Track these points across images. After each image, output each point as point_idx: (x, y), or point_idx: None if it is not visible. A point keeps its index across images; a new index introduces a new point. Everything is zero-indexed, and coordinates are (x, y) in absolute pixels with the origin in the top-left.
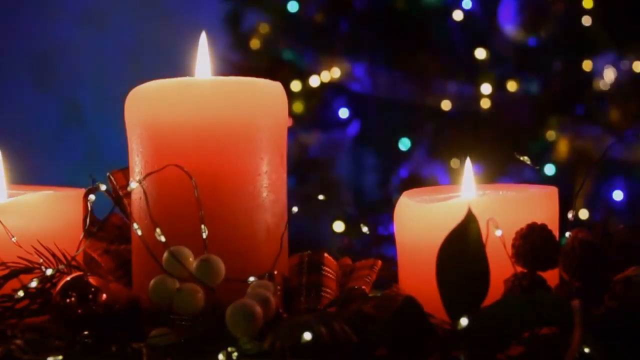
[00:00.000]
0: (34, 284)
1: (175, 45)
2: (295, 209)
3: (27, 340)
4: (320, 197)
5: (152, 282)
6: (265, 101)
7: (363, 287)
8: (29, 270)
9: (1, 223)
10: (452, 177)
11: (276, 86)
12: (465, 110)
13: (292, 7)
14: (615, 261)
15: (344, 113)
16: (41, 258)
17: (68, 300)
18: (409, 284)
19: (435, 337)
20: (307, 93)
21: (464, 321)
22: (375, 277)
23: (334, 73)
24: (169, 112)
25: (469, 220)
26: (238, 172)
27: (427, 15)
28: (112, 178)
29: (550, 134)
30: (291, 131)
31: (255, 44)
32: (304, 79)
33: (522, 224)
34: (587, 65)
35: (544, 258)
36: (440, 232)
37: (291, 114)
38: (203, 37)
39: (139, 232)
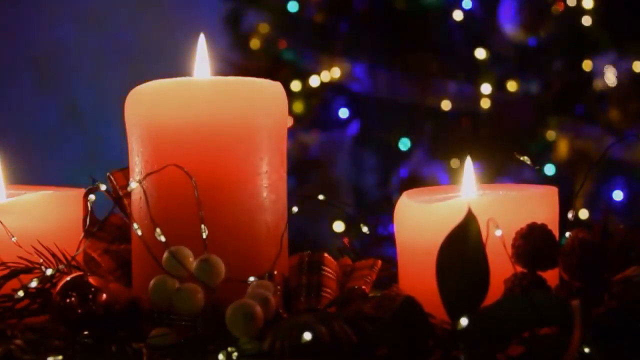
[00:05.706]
0: (34, 284)
1: (175, 45)
2: (295, 209)
3: (27, 340)
4: (320, 197)
5: (152, 282)
6: (265, 101)
7: (363, 287)
8: (29, 270)
9: (1, 223)
10: (452, 177)
11: (276, 86)
12: (465, 110)
13: (292, 7)
14: (615, 261)
15: (344, 113)
16: (41, 258)
17: (68, 300)
18: (409, 284)
19: (435, 337)
20: (307, 93)
21: (464, 321)
22: (375, 277)
23: (334, 73)
24: (169, 112)
25: (469, 220)
26: (238, 172)
27: (427, 15)
28: (112, 178)
29: (550, 134)
30: (291, 131)
31: (255, 44)
32: (304, 79)
33: (522, 224)
34: (587, 65)
35: (544, 258)
36: (440, 232)
37: (291, 114)
38: (202, 38)
39: (139, 232)
